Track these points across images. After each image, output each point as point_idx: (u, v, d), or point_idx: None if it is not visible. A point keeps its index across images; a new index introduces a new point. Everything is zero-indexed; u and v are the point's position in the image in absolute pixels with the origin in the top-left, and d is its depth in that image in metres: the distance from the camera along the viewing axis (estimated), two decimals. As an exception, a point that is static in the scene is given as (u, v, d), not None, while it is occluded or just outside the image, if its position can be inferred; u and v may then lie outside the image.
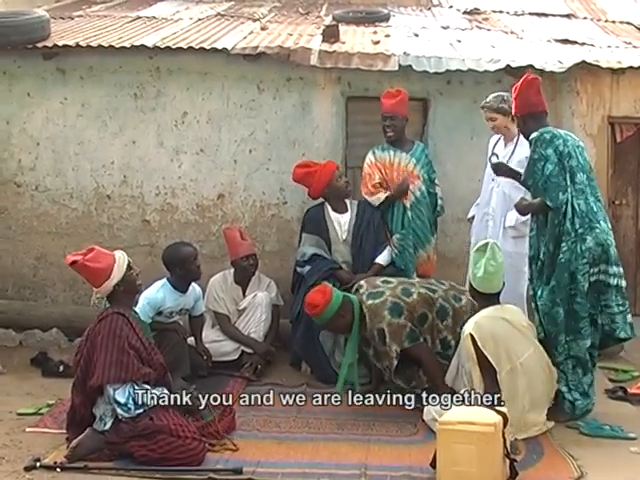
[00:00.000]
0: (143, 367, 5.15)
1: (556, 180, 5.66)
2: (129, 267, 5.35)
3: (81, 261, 5.23)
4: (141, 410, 5.05)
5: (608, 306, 5.73)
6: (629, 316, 5.78)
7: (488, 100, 6.72)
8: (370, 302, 6.08)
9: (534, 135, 5.78)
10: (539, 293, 5.79)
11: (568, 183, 5.65)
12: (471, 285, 5.81)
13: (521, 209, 6.05)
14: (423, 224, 7.15)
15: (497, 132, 6.80)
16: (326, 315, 6.07)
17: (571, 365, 5.74)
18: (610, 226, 5.81)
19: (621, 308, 5.74)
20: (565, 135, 5.82)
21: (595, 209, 5.71)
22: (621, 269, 5.77)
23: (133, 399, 5.05)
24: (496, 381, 5.41)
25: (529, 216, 6.06)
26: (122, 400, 5.03)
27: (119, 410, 5.04)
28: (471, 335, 5.46)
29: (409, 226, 7.07)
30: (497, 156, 6.57)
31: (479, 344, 5.42)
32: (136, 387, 5.09)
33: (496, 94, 6.74)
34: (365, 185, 7.21)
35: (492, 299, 5.71)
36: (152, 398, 5.11)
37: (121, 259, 5.35)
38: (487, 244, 5.70)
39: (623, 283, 5.78)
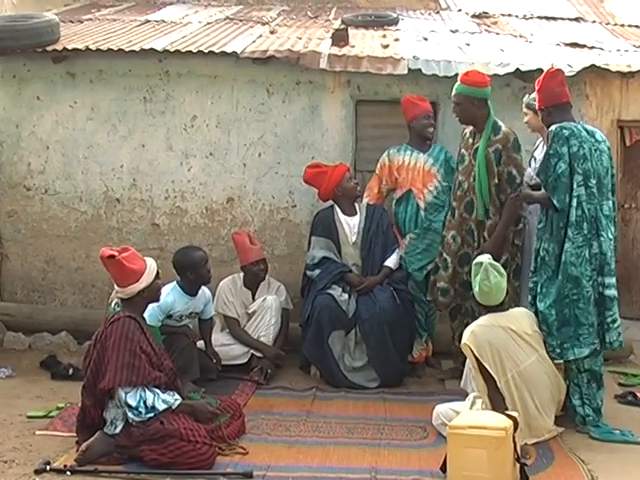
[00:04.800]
0: (154, 371, 5.15)
1: (565, 181, 5.61)
2: (157, 276, 5.37)
3: (118, 257, 5.19)
4: (152, 414, 5.04)
5: (615, 320, 5.67)
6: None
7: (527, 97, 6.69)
8: (508, 130, 6.41)
9: (553, 128, 5.68)
10: (538, 289, 5.74)
11: (575, 187, 5.58)
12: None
13: (520, 199, 6.05)
14: (437, 225, 6.95)
15: (533, 130, 6.68)
16: (468, 90, 6.36)
17: (586, 379, 5.71)
18: (613, 236, 5.73)
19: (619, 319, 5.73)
20: (586, 135, 5.69)
21: (602, 217, 5.65)
22: (614, 279, 5.72)
23: (144, 402, 5.04)
24: (497, 388, 5.40)
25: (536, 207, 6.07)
26: (133, 403, 5.02)
27: (130, 414, 5.03)
28: (466, 344, 5.43)
29: (422, 226, 7.01)
30: (535, 159, 6.51)
31: (476, 353, 5.40)
32: (147, 391, 5.08)
33: None
34: (370, 188, 7.28)
35: (494, 309, 5.64)
36: (163, 401, 5.11)
37: (152, 266, 5.35)
38: (481, 263, 5.59)
39: (617, 293, 5.75)
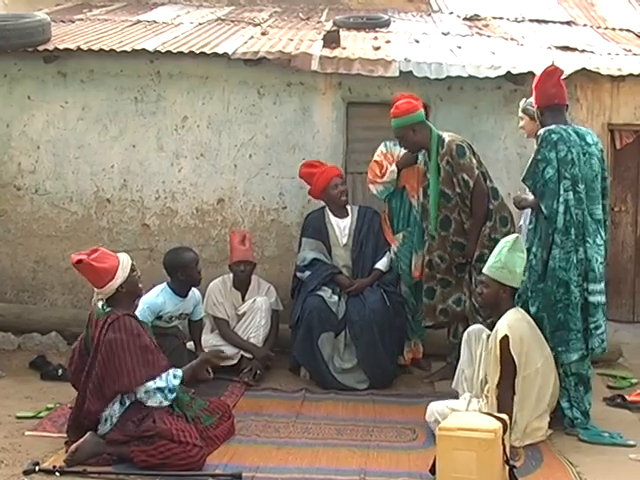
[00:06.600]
0: (163, 358, 5.25)
1: (553, 187, 5.56)
2: (132, 269, 5.34)
3: (86, 260, 5.19)
4: (173, 395, 5.15)
5: (597, 327, 5.62)
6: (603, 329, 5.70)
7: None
8: (450, 139, 6.60)
9: (541, 132, 5.63)
10: (528, 293, 5.73)
11: (563, 192, 5.54)
12: (500, 283, 5.53)
13: (516, 202, 6.05)
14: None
15: (528, 136, 6.59)
16: (403, 121, 6.62)
17: (573, 382, 5.71)
18: (601, 242, 5.68)
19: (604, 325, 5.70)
20: (575, 138, 5.62)
21: (590, 222, 5.62)
22: (602, 286, 5.67)
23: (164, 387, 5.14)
24: (513, 385, 5.37)
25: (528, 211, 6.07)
26: (163, 384, 5.11)
27: (160, 396, 5.10)
28: (507, 336, 5.33)
29: (415, 224, 7.01)
30: None
31: (511, 346, 5.33)
32: (162, 376, 5.17)
33: None
34: (372, 171, 7.11)
35: (514, 297, 5.66)
36: (174, 377, 5.21)
37: (125, 260, 5.33)
38: (516, 238, 5.60)
39: (604, 299, 5.71)
